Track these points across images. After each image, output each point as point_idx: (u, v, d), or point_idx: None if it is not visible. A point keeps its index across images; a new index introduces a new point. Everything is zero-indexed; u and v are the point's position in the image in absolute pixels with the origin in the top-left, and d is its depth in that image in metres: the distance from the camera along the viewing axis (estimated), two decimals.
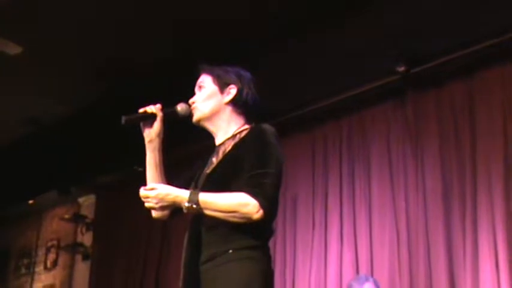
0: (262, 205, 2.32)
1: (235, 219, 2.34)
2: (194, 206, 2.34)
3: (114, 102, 6.11)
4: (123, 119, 2.51)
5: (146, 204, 2.43)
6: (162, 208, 2.45)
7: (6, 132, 7.29)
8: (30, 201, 7.79)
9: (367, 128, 5.19)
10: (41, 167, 7.31)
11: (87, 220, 7.66)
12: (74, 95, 6.48)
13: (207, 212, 2.35)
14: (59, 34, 5.45)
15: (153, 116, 2.57)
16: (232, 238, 2.37)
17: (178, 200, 2.37)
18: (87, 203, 7.81)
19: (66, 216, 7.80)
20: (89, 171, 7.03)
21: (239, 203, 2.32)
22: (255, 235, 2.39)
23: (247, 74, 2.68)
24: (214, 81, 2.64)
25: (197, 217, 2.46)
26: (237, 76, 2.64)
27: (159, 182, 2.58)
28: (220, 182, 2.44)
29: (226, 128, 2.61)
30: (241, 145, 2.50)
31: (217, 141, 2.63)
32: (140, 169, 6.15)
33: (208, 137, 2.70)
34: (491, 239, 4.26)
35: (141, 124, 2.59)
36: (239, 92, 2.61)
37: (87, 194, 7.71)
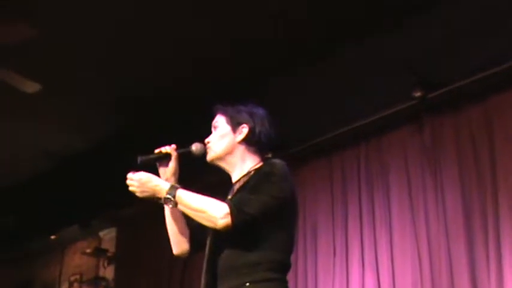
0: (232, 213, 2.34)
1: (203, 220, 2.40)
2: (171, 198, 2.42)
3: (132, 135, 6.15)
4: (139, 159, 2.59)
5: (130, 188, 2.50)
6: (142, 194, 2.49)
7: (27, 168, 7.36)
8: (53, 236, 7.83)
9: (385, 153, 5.18)
10: (61, 202, 7.35)
11: (109, 254, 7.68)
12: (93, 129, 6.54)
13: (180, 207, 2.44)
14: (77, 70, 5.52)
15: (168, 156, 2.64)
16: (248, 272, 2.37)
17: (157, 189, 2.46)
18: (108, 236, 7.84)
19: (88, 250, 7.82)
20: (109, 204, 7.06)
21: (210, 205, 2.39)
22: (271, 269, 2.40)
23: (260, 112, 2.72)
24: (227, 122, 2.69)
25: (213, 251, 2.49)
26: (250, 115, 2.69)
27: (176, 221, 2.66)
28: None
29: (241, 165, 2.65)
30: (252, 180, 2.53)
31: (233, 179, 2.66)
32: (160, 202, 6.18)
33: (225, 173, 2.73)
34: None
35: (157, 164, 2.66)
36: (251, 130, 2.65)
37: (107, 227, 7.74)
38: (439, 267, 4.57)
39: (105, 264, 7.71)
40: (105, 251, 7.73)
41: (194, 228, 2.66)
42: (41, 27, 4.70)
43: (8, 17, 4.51)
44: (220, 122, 2.71)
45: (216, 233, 2.45)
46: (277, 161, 2.57)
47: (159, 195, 2.46)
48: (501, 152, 4.50)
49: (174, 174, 2.65)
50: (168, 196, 2.42)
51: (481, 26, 4.41)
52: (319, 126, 5.35)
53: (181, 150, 2.67)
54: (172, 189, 2.44)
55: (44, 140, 6.73)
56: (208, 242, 2.55)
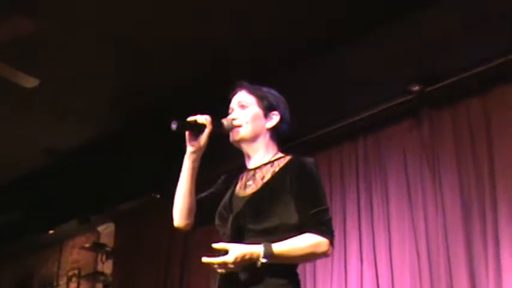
0: (331, 242, 2.39)
1: (311, 260, 2.47)
2: (270, 260, 2.30)
3: (130, 130, 6.15)
4: (174, 124, 2.38)
5: (221, 271, 2.33)
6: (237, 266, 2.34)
7: (26, 163, 7.36)
8: (51, 231, 7.83)
9: (383, 148, 5.18)
10: (60, 197, 7.36)
11: (107, 248, 7.68)
12: (92, 125, 6.54)
13: (284, 261, 2.35)
14: (76, 65, 5.52)
15: (202, 127, 2.45)
16: (267, 276, 2.35)
17: (254, 257, 2.30)
18: (106, 231, 7.84)
19: (86, 245, 7.82)
20: (108, 199, 7.07)
21: (313, 245, 2.36)
22: (288, 269, 2.40)
23: (283, 99, 2.66)
24: (258, 104, 2.60)
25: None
26: (278, 101, 2.64)
27: (190, 194, 2.52)
28: (261, 207, 2.42)
29: (264, 153, 2.59)
30: (283, 174, 2.49)
31: (252, 164, 2.59)
32: (158, 196, 6.20)
33: (238, 156, 2.67)
34: None
35: (187, 133, 2.47)
36: (281, 119, 2.61)
37: (106, 222, 7.74)
38: (437, 262, 4.58)
39: (104, 259, 7.71)
40: (104, 245, 7.72)
41: (202, 204, 2.59)
42: (40, 22, 4.70)
43: (8, 11, 4.51)
44: (250, 102, 2.60)
45: (236, 229, 2.41)
46: (311, 160, 2.54)
47: (255, 261, 2.31)
48: (499, 146, 4.51)
49: (203, 147, 2.47)
50: (266, 260, 2.29)
51: (480, 20, 4.42)
52: (318, 121, 5.34)
53: (216, 123, 2.48)
54: (267, 251, 2.29)
55: (42, 135, 6.74)
56: (228, 234, 2.46)
